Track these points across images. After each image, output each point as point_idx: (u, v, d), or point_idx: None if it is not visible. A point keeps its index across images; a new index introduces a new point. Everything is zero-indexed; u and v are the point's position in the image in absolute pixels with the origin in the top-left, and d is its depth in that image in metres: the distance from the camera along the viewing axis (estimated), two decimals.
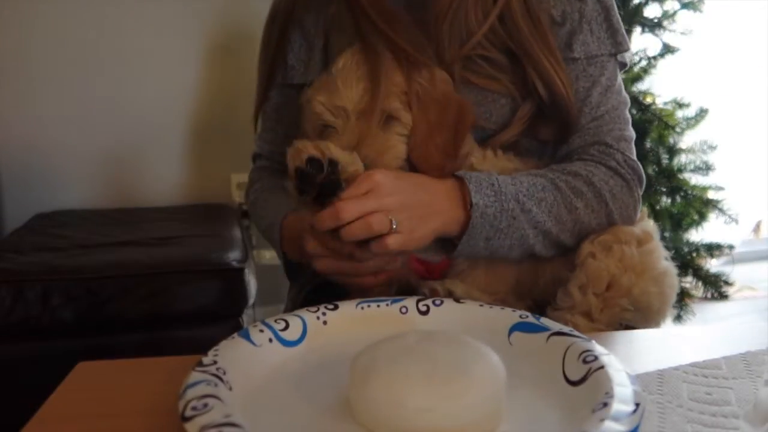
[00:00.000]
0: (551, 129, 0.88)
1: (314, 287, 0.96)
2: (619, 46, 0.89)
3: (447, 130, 0.81)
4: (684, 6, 2.19)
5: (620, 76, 0.93)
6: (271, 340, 0.59)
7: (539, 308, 0.83)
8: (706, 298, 2.25)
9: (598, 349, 0.54)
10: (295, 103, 0.90)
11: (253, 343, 0.58)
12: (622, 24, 0.90)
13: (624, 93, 0.92)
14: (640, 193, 0.89)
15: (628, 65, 0.95)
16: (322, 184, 0.71)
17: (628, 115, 0.92)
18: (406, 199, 0.74)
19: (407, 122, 0.80)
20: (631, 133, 0.91)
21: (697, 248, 2.22)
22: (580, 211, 0.82)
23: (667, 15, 2.21)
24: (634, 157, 0.89)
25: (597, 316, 0.79)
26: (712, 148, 2.24)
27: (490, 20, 0.84)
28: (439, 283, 0.80)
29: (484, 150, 0.86)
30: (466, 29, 0.85)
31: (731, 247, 2.26)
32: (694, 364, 0.60)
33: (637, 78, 2.15)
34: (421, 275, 0.84)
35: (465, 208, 0.78)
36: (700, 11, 2.18)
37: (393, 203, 0.72)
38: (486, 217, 0.77)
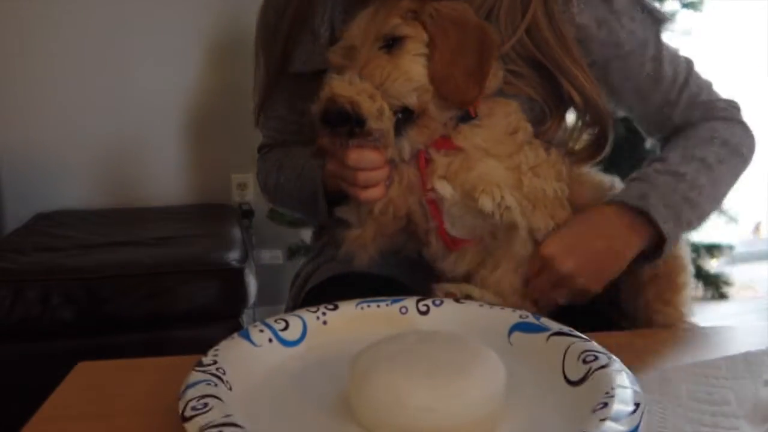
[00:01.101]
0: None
1: (315, 286, 0.96)
2: (660, 21, 0.91)
3: (470, 53, 0.76)
4: (684, 6, 2.18)
5: (672, 47, 0.94)
6: (271, 340, 0.59)
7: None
8: (706, 298, 2.25)
9: (598, 349, 0.54)
10: (307, 90, 0.88)
11: (253, 343, 0.58)
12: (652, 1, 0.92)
13: (683, 59, 0.93)
14: (750, 125, 0.92)
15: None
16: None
17: (698, 74, 0.94)
18: (582, 259, 0.76)
19: (419, 37, 0.75)
20: (708, 79, 0.93)
21: (697, 248, 2.22)
22: (729, 176, 0.88)
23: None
24: (711, 94, 0.92)
25: None
26: None
27: (519, 33, 0.83)
28: (455, 287, 0.79)
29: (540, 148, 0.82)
30: None
31: (731, 247, 2.26)
32: (694, 364, 0.60)
33: None
34: (447, 245, 0.82)
35: (642, 235, 0.79)
36: (700, 11, 2.18)
37: (572, 269, 0.75)
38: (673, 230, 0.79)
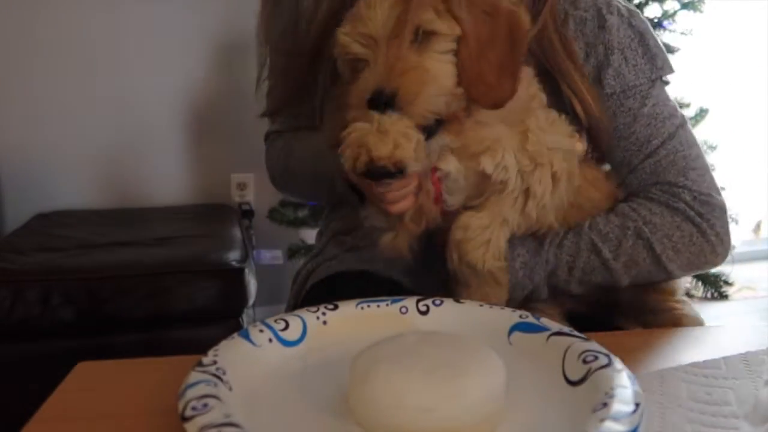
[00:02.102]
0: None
1: (316, 284, 0.96)
2: (660, 70, 0.83)
3: (500, 43, 0.70)
4: (684, 6, 2.18)
5: (670, 98, 0.86)
6: (271, 340, 0.59)
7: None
8: (706, 298, 2.25)
9: (598, 349, 0.54)
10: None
11: (253, 343, 0.58)
12: (662, 46, 0.83)
13: (678, 113, 0.84)
14: (720, 227, 0.81)
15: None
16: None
17: (691, 136, 0.84)
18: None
19: (450, 32, 0.69)
20: (698, 158, 0.83)
21: None
22: (637, 276, 0.80)
23: (667, 15, 2.21)
24: (707, 186, 0.81)
25: None
26: (712, 148, 2.24)
27: (539, 24, 0.80)
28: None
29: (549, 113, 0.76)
30: None
31: (731, 247, 2.26)
32: (694, 364, 0.60)
33: None
34: (441, 213, 0.78)
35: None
36: (700, 11, 2.18)
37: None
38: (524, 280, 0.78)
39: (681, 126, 0.83)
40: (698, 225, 0.80)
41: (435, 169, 0.73)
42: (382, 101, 0.66)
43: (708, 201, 0.81)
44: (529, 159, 0.71)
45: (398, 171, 0.67)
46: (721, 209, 0.82)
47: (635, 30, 0.83)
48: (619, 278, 0.79)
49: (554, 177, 0.72)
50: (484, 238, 0.73)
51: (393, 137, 0.66)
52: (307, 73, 0.88)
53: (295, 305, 0.99)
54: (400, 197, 0.73)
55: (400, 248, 0.79)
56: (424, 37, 0.68)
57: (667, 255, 0.79)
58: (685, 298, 0.88)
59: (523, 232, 0.76)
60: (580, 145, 0.79)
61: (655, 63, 0.82)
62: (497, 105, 0.70)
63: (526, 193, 0.73)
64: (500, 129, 0.72)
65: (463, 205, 0.75)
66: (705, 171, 0.83)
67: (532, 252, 0.78)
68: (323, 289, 0.93)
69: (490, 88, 0.69)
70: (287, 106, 0.95)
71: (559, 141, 0.74)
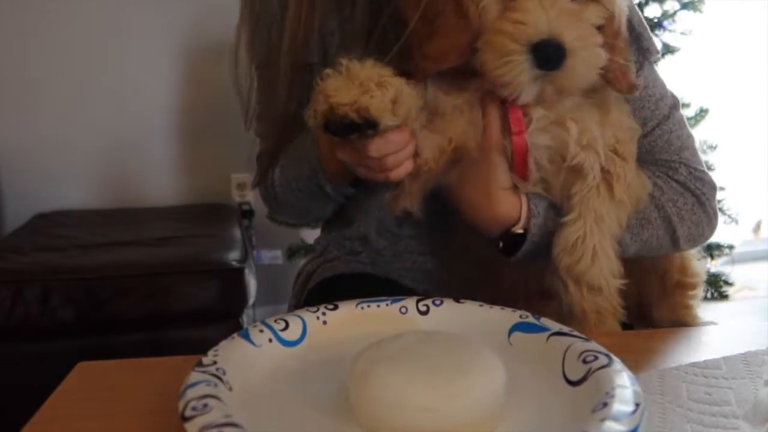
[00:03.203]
0: None
1: (317, 284, 0.96)
2: (646, 52, 0.82)
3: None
4: (684, 6, 2.18)
5: (660, 79, 0.85)
6: (271, 340, 0.59)
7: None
8: (706, 298, 2.25)
9: (598, 349, 0.54)
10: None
11: (253, 343, 0.57)
12: (646, 26, 0.83)
13: (669, 92, 0.84)
14: (713, 204, 0.83)
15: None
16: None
17: (682, 116, 0.85)
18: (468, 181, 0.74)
19: (608, 6, 0.66)
20: (689, 137, 0.84)
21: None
22: (647, 241, 0.79)
23: (667, 15, 2.21)
24: (699, 163, 0.83)
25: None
26: (712, 148, 2.24)
27: None
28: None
29: None
30: None
31: (731, 247, 2.26)
32: (694, 364, 0.60)
33: None
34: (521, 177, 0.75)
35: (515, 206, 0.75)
36: (700, 11, 2.18)
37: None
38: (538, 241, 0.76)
39: (674, 107, 0.83)
40: (698, 197, 0.82)
41: (517, 134, 0.70)
42: (549, 51, 0.61)
43: (702, 177, 0.83)
44: (611, 134, 0.71)
45: (367, 124, 0.59)
46: (713, 187, 0.84)
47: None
48: (628, 242, 0.77)
49: (627, 157, 0.73)
50: (588, 247, 0.71)
51: (361, 83, 0.59)
52: (292, 83, 0.84)
53: (296, 305, 0.99)
54: (399, 162, 0.67)
55: (410, 196, 0.74)
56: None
57: (675, 219, 0.80)
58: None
59: (625, 227, 0.74)
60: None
61: (639, 43, 0.82)
62: (630, 91, 0.71)
63: (607, 179, 0.72)
64: (586, 106, 0.71)
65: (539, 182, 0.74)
66: (696, 150, 0.85)
67: (545, 209, 0.76)
68: (325, 290, 0.93)
69: (623, 75, 0.69)
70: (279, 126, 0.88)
71: (630, 122, 0.75)
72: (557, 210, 0.76)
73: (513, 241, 0.77)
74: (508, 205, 0.75)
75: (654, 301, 0.88)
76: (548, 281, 0.75)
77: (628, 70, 0.70)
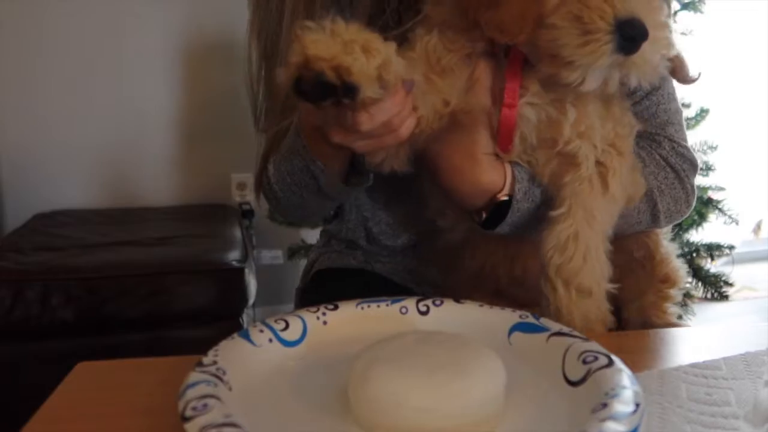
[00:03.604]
0: None
1: (319, 273, 0.98)
2: None
3: None
4: (684, 6, 2.18)
5: None
6: (271, 340, 0.59)
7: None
8: (706, 299, 2.25)
9: (598, 349, 0.54)
10: None
11: (253, 343, 0.57)
12: None
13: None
14: (692, 182, 0.82)
15: None
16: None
17: (673, 90, 0.83)
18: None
19: None
20: (677, 112, 0.82)
21: (697, 248, 2.22)
22: (627, 215, 0.76)
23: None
24: (683, 139, 0.82)
25: None
26: (713, 148, 2.24)
27: None
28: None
29: None
30: None
31: (731, 247, 2.26)
32: (694, 365, 0.60)
33: None
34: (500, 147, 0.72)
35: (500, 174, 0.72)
36: (700, 11, 2.18)
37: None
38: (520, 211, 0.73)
39: (665, 78, 0.80)
40: (678, 173, 0.81)
41: (509, 107, 0.67)
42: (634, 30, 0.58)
43: (684, 154, 0.82)
44: (611, 128, 0.70)
45: (345, 88, 0.51)
46: (694, 165, 0.82)
47: None
48: None
49: (624, 153, 0.71)
50: (580, 246, 0.68)
51: (345, 43, 0.51)
52: None
53: (303, 290, 1.01)
54: (395, 126, 0.61)
55: (393, 166, 0.71)
56: None
57: (655, 192, 0.78)
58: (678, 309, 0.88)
59: (615, 226, 0.71)
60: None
61: None
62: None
63: (602, 172, 0.69)
64: (590, 95, 0.68)
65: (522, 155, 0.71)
66: (682, 126, 0.83)
67: (528, 180, 0.74)
68: (326, 277, 0.96)
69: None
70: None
71: (630, 118, 0.74)
72: (539, 184, 0.73)
73: (497, 212, 0.73)
74: (491, 170, 0.71)
75: (627, 302, 0.85)
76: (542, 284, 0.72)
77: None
